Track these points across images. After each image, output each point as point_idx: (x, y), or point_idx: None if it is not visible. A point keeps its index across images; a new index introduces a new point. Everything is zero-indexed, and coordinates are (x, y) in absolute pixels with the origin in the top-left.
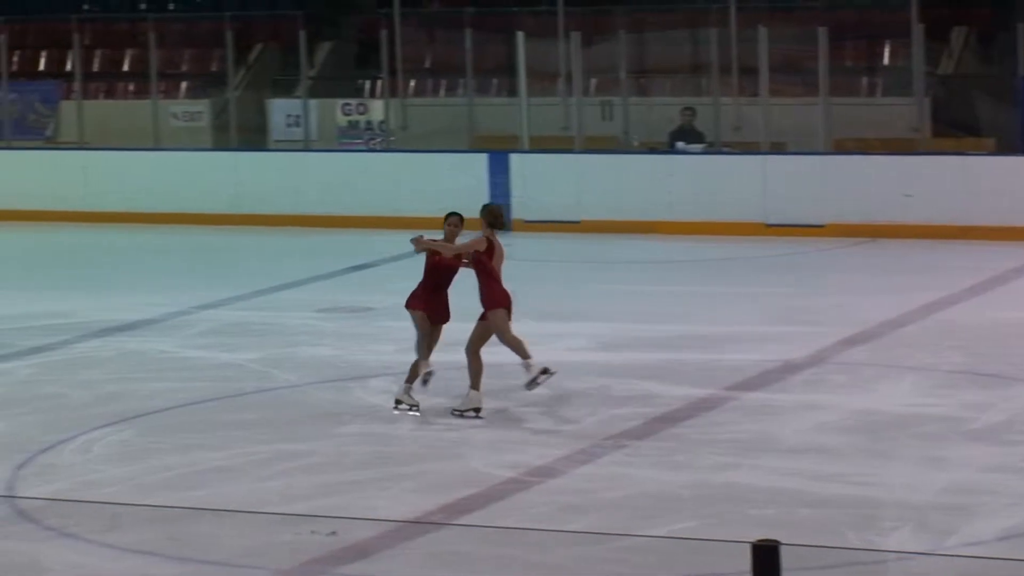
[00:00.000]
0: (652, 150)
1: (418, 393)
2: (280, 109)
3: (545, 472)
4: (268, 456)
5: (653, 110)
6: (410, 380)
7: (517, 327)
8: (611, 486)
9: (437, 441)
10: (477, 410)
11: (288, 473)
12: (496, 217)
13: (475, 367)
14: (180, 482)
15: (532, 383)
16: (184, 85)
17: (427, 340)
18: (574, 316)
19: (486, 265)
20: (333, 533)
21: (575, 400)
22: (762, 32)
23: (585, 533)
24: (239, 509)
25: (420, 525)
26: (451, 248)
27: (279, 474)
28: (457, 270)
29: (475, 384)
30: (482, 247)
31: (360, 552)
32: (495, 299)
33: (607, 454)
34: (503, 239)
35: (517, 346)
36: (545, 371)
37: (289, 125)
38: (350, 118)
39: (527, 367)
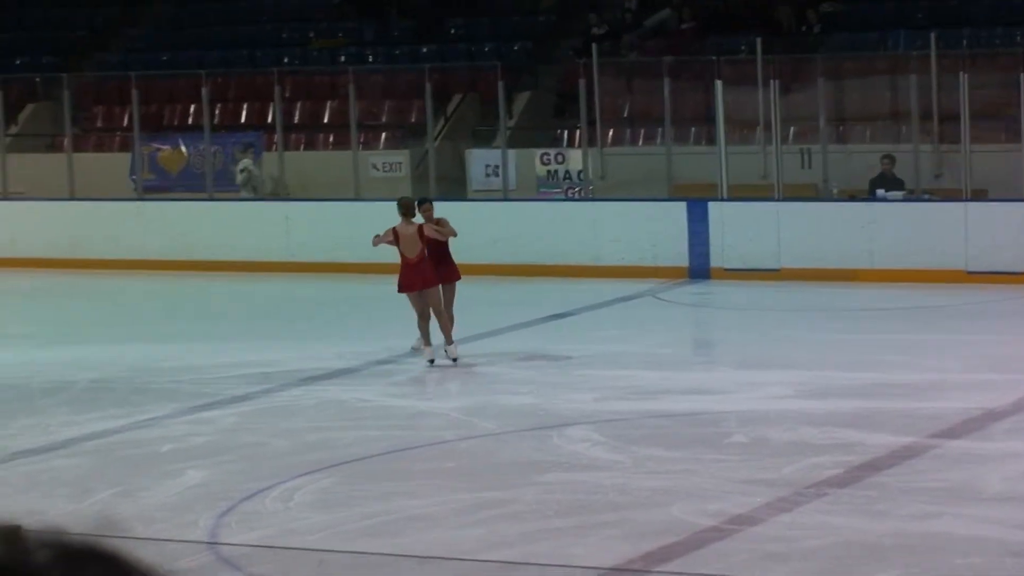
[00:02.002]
0: (852, 198)
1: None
2: (479, 159)
3: (746, 520)
4: (469, 504)
5: (853, 158)
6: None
7: (716, 375)
8: (812, 534)
9: (638, 489)
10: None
11: (489, 521)
12: (405, 208)
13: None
14: (382, 529)
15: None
16: (384, 136)
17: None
18: (774, 364)
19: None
20: None
21: (775, 448)
22: (963, 79)
23: None
24: (442, 556)
25: (622, 573)
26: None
27: (480, 522)
28: (436, 243)
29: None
30: (389, 238)
31: None
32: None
33: (808, 502)
34: None
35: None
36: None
37: (488, 175)
38: (549, 167)
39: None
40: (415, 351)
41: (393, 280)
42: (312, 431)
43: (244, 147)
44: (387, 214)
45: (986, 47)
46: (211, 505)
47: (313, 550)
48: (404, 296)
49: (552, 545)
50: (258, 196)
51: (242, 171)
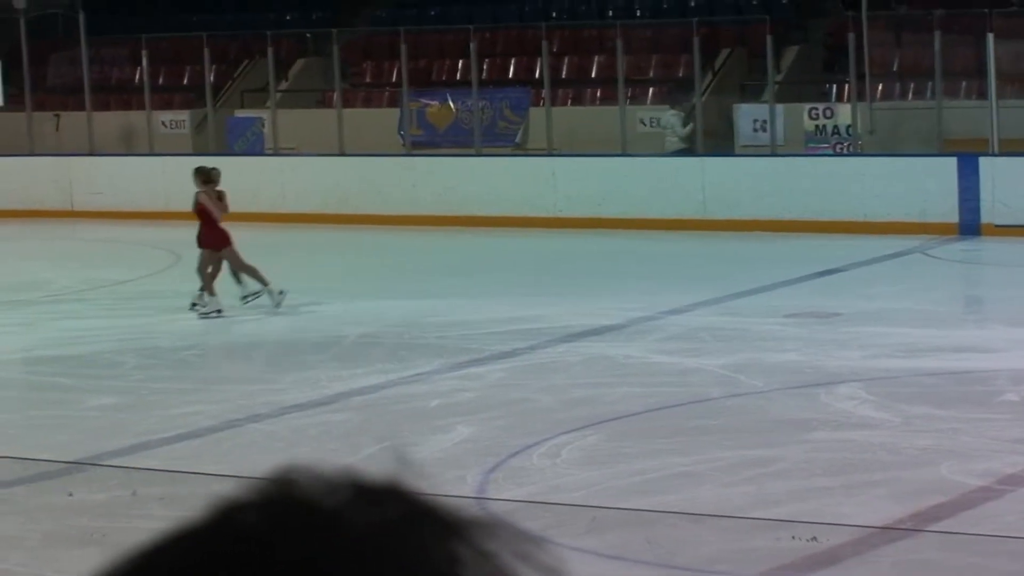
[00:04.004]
0: None
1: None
2: (747, 114)
3: (1016, 480)
4: (736, 461)
5: None
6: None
7: (987, 333)
8: None
9: (906, 448)
10: (219, 311)
11: (757, 479)
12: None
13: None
14: (650, 487)
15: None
16: (651, 91)
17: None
18: None
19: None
20: (814, 539)
21: None
22: None
23: None
24: (711, 513)
25: (888, 532)
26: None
27: (747, 480)
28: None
29: (211, 290)
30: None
31: (830, 559)
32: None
33: None
34: None
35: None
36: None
37: (755, 130)
38: (817, 122)
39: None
40: (207, 308)
41: (658, 236)
42: (578, 387)
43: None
44: (653, 169)
45: None
46: (479, 460)
47: (582, 506)
48: (664, 254)
49: (820, 503)
50: (671, 151)
51: (666, 127)
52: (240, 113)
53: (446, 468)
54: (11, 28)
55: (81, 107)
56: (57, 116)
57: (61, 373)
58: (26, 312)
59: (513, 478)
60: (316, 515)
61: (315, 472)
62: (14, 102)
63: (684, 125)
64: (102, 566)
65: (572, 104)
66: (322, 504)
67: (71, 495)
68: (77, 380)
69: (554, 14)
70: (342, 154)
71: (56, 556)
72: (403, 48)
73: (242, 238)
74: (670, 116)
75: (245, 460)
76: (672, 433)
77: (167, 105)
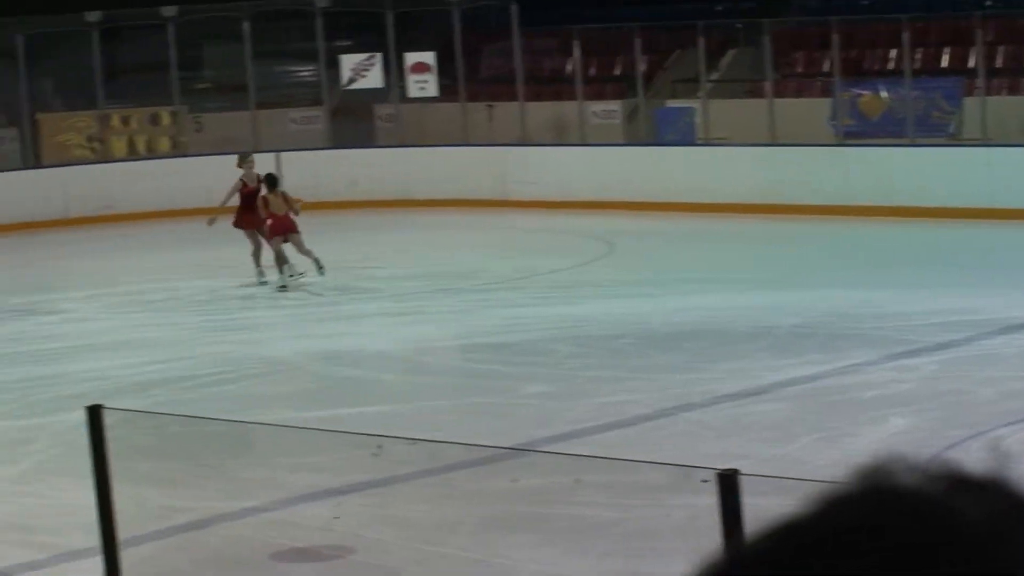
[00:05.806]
0: None
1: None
2: None
3: None
4: None
5: None
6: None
7: None
8: None
9: None
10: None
11: None
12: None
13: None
14: None
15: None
16: None
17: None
18: None
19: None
20: None
21: None
22: None
23: None
24: None
25: None
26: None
27: None
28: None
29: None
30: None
31: None
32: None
33: None
34: None
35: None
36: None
37: None
38: None
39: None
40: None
41: None
42: (1017, 380)
43: None
44: None
45: None
46: (914, 453)
47: None
48: None
49: None
50: None
51: None
52: (671, 103)
53: None
54: (445, 20)
55: (513, 98)
56: (490, 107)
57: (496, 360)
58: (461, 300)
59: None
60: (922, 504)
61: (910, 461)
62: (448, 93)
63: None
64: (710, 558)
65: (1007, 94)
66: (925, 493)
67: (515, 481)
68: (511, 367)
69: (988, 3)
70: (774, 144)
71: (495, 540)
72: (835, 38)
73: (666, 228)
74: None
75: (679, 449)
76: None
77: (598, 96)
